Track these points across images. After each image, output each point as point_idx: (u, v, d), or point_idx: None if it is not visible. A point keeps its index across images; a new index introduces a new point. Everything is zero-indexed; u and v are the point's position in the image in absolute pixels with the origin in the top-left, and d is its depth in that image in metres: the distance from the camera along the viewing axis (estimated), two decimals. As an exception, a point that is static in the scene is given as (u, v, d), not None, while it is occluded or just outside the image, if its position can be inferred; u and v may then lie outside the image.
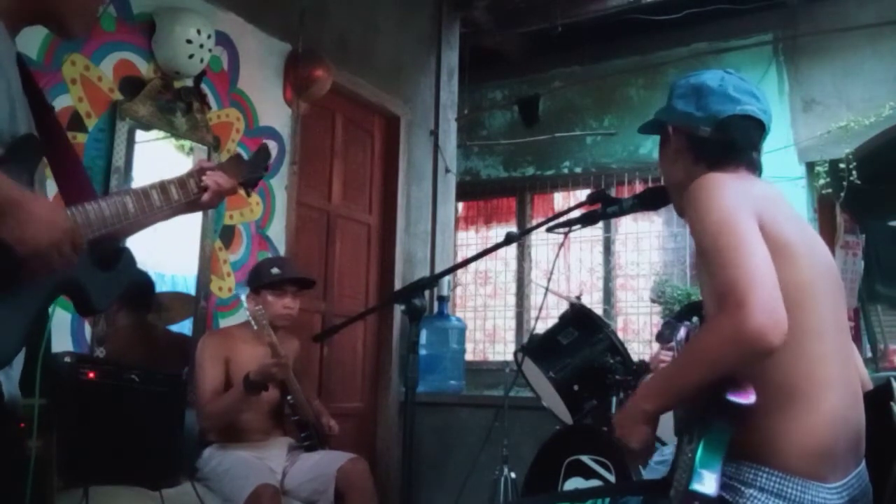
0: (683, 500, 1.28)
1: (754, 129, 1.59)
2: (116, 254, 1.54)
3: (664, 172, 1.70)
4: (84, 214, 1.43)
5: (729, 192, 1.42)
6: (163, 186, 1.61)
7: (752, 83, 1.63)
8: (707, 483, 1.26)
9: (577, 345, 3.06)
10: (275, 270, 3.10)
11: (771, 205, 1.47)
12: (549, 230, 1.92)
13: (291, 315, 3.11)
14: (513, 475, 3.61)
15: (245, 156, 3.67)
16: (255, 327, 2.96)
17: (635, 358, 3.16)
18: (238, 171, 1.82)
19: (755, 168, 1.60)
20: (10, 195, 1.24)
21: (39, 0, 1.40)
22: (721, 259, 1.33)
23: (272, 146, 3.86)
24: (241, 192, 1.90)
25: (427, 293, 4.67)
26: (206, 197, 1.68)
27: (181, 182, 1.64)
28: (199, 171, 1.69)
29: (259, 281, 3.11)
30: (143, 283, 3.21)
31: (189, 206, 1.68)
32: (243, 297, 3.08)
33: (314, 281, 3.32)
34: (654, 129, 1.72)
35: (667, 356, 2.78)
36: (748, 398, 1.28)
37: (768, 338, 1.24)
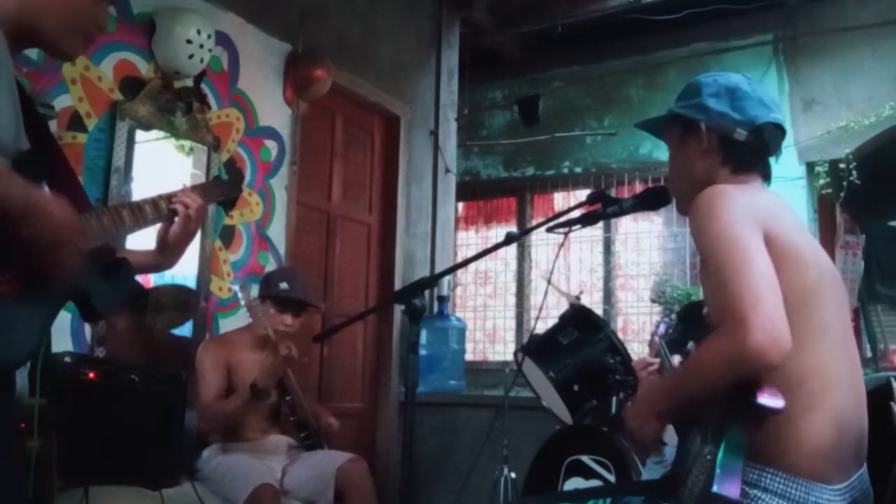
0: (704, 502, 1.27)
1: (780, 139, 1.62)
2: (116, 263, 1.56)
3: (680, 170, 1.68)
4: (87, 224, 1.46)
5: (734, 204, 1.43)
6: (154, 202, 1.67)
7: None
8: (729, 486, 1.25)
9: (577, 345, 3.06)
10: (283, 285, 3.08)
11: (776, 214, 1.48)
12: (549, 230, 1.91)
13: (289, 333, 3.10)
14: (513, 475, 3.61)
15: (246, 156, 3.71)
16: (251, 319, 2.96)
17: (635, 358, 3.16)
18: (216, 192, 1.91)
19: (768, 176, 1.62)
20: (30, 197, 1.28)
21: (33, 24, 1.42)
22: (723, 275, 1.35)
23: (272, 146, 3.86)
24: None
25: (427, 293, 4.67)
26: (177, 219, 1.73)
27: (154, 202, 1.69)
28: (170, 195, 1.74)
29: (266, 290, 3.10)
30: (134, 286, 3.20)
31: (167, 223, 1.74)
32: (236, 288, 3.07)
33: (319, 306, 3.30)
34: (662, 127, 1.71)
35: (654, 361, 2.82)
36: (779, 402, 1.27)
37: (768, 357, 1.26)
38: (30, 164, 1.38)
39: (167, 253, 1.76)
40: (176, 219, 1.72)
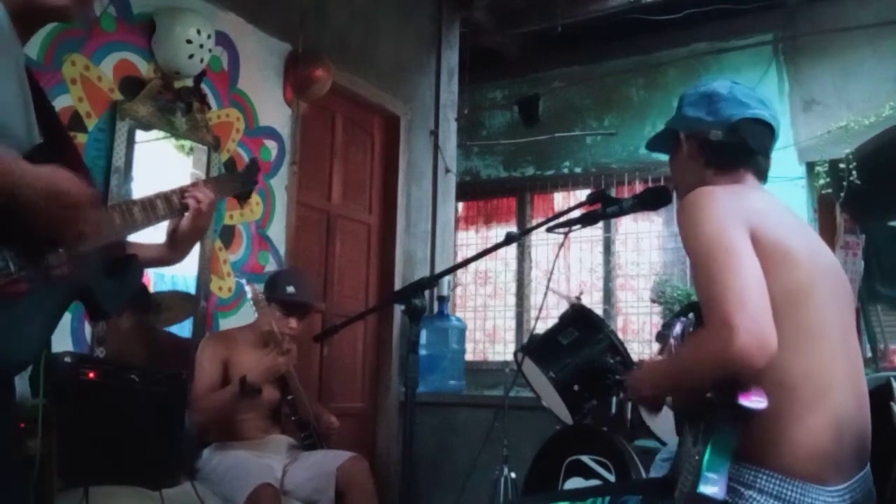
0: (689, 502, 1.28)
1: (765, 134, 1.62)
2: (124, 261, 1.56)
3: (677, 182, 1.72)
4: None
5: (718, 205, 1.44)
6: (167, 197, 1.66)
7: (760, 93, 1.66)
8: (714, 486, 1.26)
9: (577, 345, 3.05)
10: (290, 289, 3.06)
11: (765, 214, 1.48)
12: (549, 230, 1.92)
13: (292, 336, 3.09)
14: (513, 475, 3.61)
15: (246, 156, 3.71)
16: (256, 313, 2.96)
17: (635, 358, 3.16)
18: (231, 186, 1.92)
19: (762, 174, 1.62)
20: (46, 181, 1.27)
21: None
22: (710, 277, 1.35)
23: (272, 146, 3.86)
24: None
25: (427, 293, 4.67)
26: (187, 213, 1.72)
27: (167, 198, 1.69)
28: (183, 189, 1.73)
29: (273, 293, 3.08)
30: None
31: (177, 219, 1.73)
32: (243, 282, 3.07)
33: (321, 307, 3.30)
34: (663, 144, 1.74)
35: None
36: (760, 403, 1.27)
37: (752, 359, 1.27)
38: (42, 159, 1.37)
39: (176, 247, 1.74)
40: (186, 213, 1.71)
